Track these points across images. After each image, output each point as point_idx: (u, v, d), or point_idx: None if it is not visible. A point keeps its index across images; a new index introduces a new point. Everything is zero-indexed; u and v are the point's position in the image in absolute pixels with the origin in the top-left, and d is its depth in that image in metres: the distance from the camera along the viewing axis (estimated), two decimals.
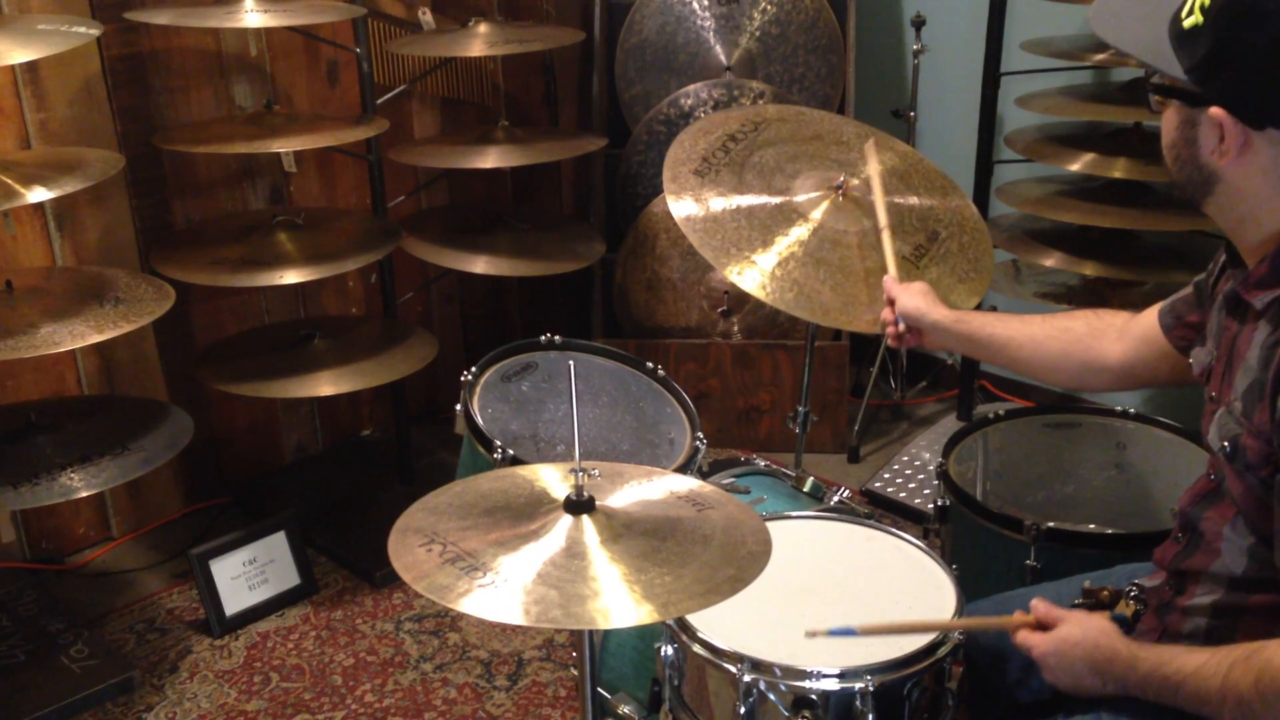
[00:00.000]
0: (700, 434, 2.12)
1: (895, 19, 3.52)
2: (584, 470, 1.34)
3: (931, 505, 2.09)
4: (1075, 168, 2.69)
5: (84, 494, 2.26)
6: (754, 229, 2.08)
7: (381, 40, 3.04)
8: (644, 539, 1.31)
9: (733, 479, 2.01)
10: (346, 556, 2.84)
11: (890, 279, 1.96)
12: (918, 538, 1.74)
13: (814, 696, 1.44)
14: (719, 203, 2.10)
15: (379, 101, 2.84)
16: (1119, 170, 2.63)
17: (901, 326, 1.90)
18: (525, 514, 1.34)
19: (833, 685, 1.43)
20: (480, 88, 3.38)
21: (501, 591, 1.21)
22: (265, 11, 2.46)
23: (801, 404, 2.39)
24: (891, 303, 1.92)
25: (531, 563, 1.25)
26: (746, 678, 1.45)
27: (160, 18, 2.47)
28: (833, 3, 3.36)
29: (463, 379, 2.15)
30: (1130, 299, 2.75)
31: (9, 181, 2.16)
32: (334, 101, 3.07)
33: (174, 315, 2.49)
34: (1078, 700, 1.51)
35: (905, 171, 2.25)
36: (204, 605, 2.59)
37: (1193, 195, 1.38)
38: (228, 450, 3.10)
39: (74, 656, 2.45)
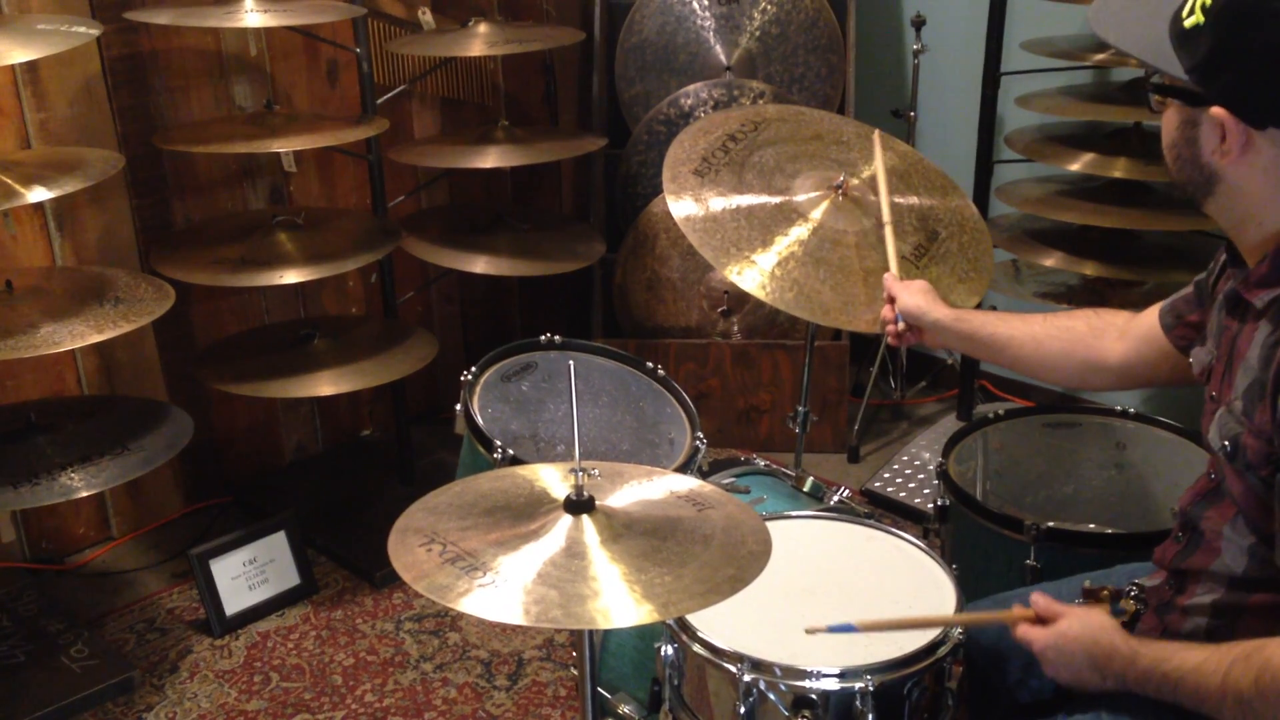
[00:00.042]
0: (700, 434, 2.12)
1: (895, 19, 3.52)
2: (584, 470, 1.34)
3: (931, 505, 2.09)
4: (1075, 168, 2.69)
5: (84, 494, 2.26)
6: (754, 229, 2.08)
7: (381, 40, 3.04)
8: (644, 539, 1.31)
9: (733, 479, 2.01)
10: (346, 556, 2.84)
11: (891, 277, 1.96)
12: (918, 537, 1.74)
13: (814, 696, 1.44)
14: (719, 203, 2.10)
15: (379, 101, 2.84)
16: (1119, 170, 2.63)
17: (901, 325, 1.90)
18: (525, 514, 1.34)
19: (833, 685, 1.43)
20: (480, 88, 3.38)
21: (501, 591, 1.21)
22: (265, 11, 2.46)
23: (801, 404, 2.39)
24: (892, 301, 1.92)
25: (531, 563, 1.25)
26: (746, 677, 1.45)
27: (160, 18, 2.47)
28: (833, 3, 3.36)
29: (463, 379, 2.15)
30: (1130, 299, 2.75)
31: (9, 181, 2.16)
32: (334, 101, 3.07)
33: (174, 315, 2.49)
34: (1078, 700, 1.51)
35: (905, 171, 2.25)
36: (204, 605, 2.59)
37: (1193, 195, 1.38)
38: (228, 450, 3.10)
39: (74, 656, 2.45)
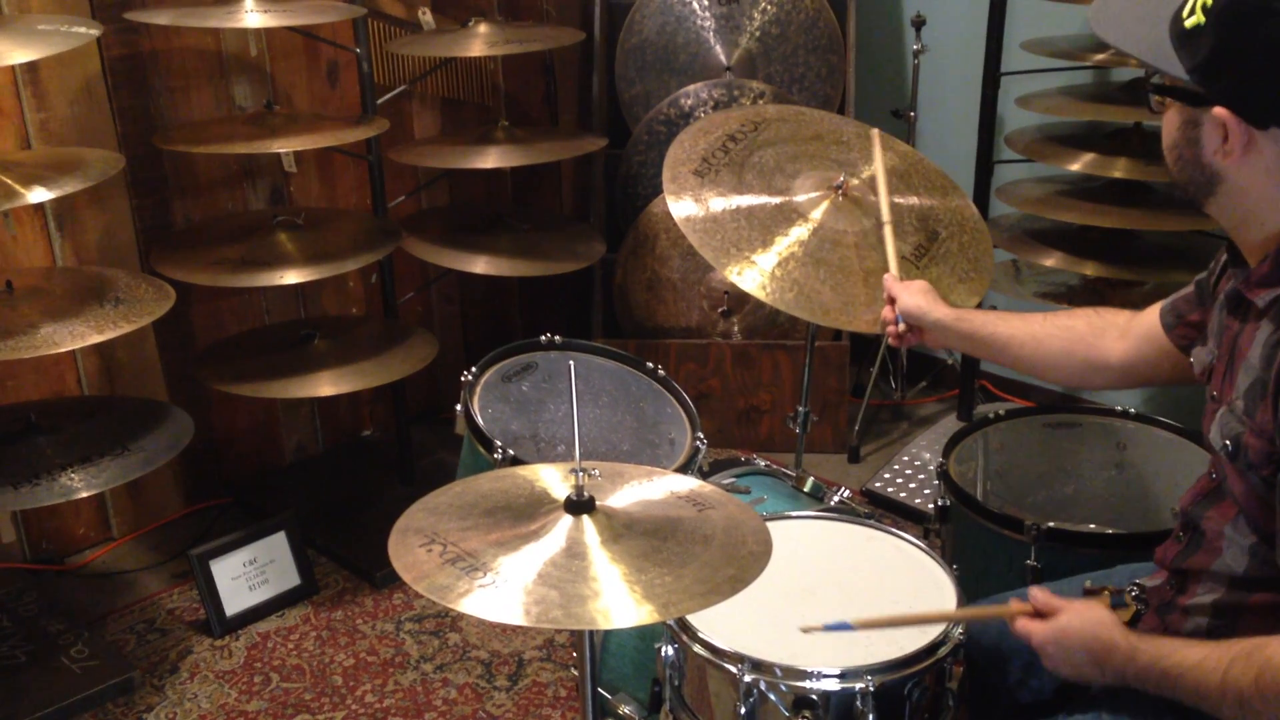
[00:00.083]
0: (700, 434, 2.12)
1: (895, 19, 3.52)
2: (584, 470, 1.34)
3: (932, 505, 2.09)
4: (1075, 168, 2.69)
5: (84, 494, 2.26)
6: (754, 229, 2.08)
7: (381, 40, 3.04)
8: (644, 539, 1.31)
9: (733, 479, 2.01)
10: (346, 556, 2.84)
11: (891, 277, 1.95)
12: (918, 538, 1.74)
13: (814, 696, 1.43)
14: (719, 203, 2.10)
15: (379, 101, 2.84)
16: (1119, 170, 2.63)
17: (902, 326, 1.90)
18: (525, 514, 1.34)
19: (833, 685, 1.43)
20: (480, 88, 3.38)
21: (502, 592, 1.21)
22: (265, 11, 2.46)
23: (801, 404, 2.38)
24: (892, 301, 1.92)
25: (532, 563, 1.25)
26: (747, 678, 1.45)
27: (160, 18, 2.47)
28: (833, 3, 3.36)
29: (463, 379, 2.15)
30: (1130, 299, 2.74)
31: (9, 181, 2.16)
32: (334, 101, 3.07)
33: (174, 315, 2.49)
34: (1078, 700, 1.51)
35: (905, 171, 2.25)
36: (204, 605, 2.59)
37: (1194, 195, 1.38)
38: (228, 450, 3.10)
39: (74, 657, 2.45)
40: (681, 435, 2.17)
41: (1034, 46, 2.82)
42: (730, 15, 3.36)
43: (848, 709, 1.43)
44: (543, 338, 2.27)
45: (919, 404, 3.56)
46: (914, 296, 1.89)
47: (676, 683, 1.57)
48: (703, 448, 2.10)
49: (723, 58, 3.38)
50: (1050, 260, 2.79)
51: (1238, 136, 1.27)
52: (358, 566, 2.80)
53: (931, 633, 1.50)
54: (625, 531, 1.31)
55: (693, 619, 1.52)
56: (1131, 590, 1.51)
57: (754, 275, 2.01)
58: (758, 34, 3.37)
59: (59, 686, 2.36)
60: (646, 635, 1.78)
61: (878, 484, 3.08)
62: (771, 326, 3.32)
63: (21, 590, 2.67)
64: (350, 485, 3.12)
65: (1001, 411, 2.20)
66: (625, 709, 1.84)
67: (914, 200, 2.20)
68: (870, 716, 1.42)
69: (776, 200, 2.13)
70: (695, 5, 3.36)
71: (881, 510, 2.95)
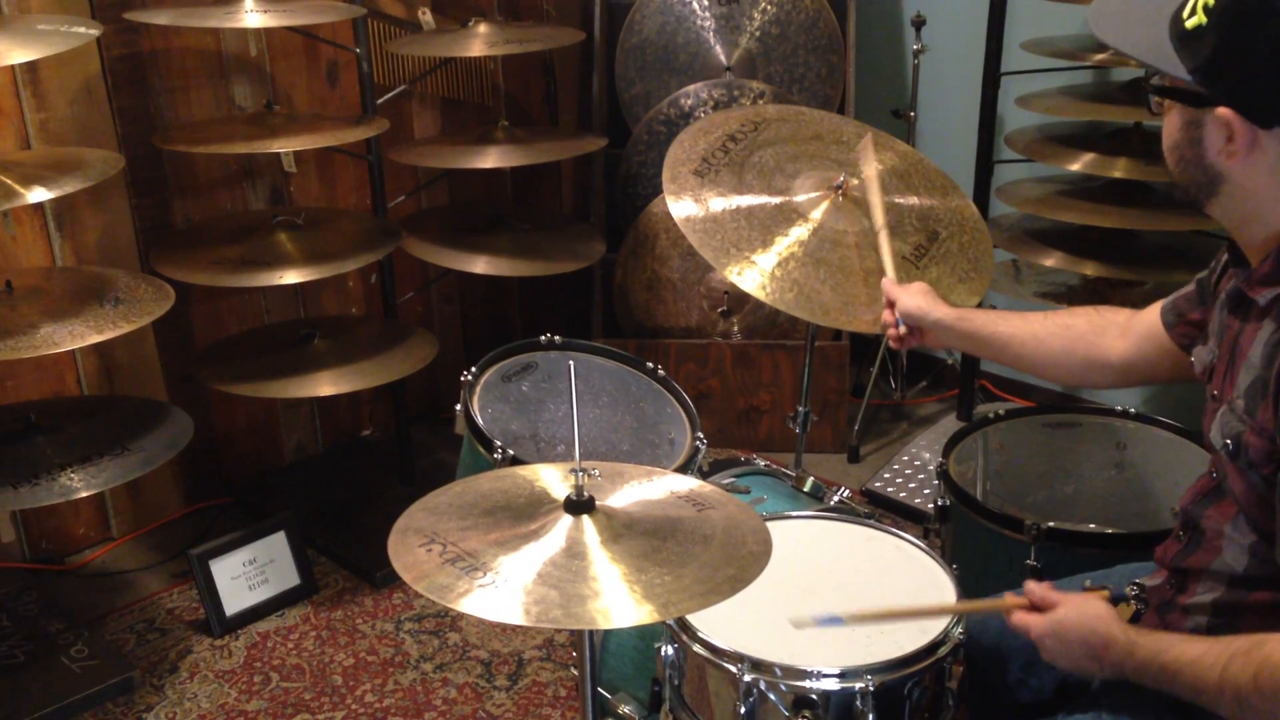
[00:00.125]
0: (700, 434, 2.12)
1: (895, 19, 3.52)
2: (584, 470, 1.34)
3: (931, 505, 2.09)
4: (1075, 168, 2.69)
5: (84, 494, 2.26)
6: (754, 229, 2.08)
7: (381, 40, 3.04)
8: (644, 539, 1.31)
9: (733, 479, 2.01)
10: (346, 556, 2.84)
11: (889, 281, 1.95)
12: (918, 537, 1.74)
13: (814, 696, 1.44)
14: (719, 203, 2.10)
15: (379, 101, 2.84)
16: (1119, 170, 2.63)
17: (903, 328, 1.90)
18: (525, 514, 1.34)
19: (833, 685, 1.43)
20: (480, 88, 3.38)
21: (502, 591, 1.21)
22: (265, 11, 2.46)
23: (801, 404, 2.38)
24: (891, 305, 1.92)
25: (532, 563, 1.25)
26: (747, 677, 1.45)
27: (160, 18, 2.47)
28: (833, 3, 3.36)
29: (463, 379, 2.15)
30: (1130, 299, 2.74)
31: (9, 181, 2.16)
32: (334, 101, 3.07)
33: (174, 315, 2.49)
34: (1078, 700, 1.51)
35: (905, 171, 2.25)
36: (204, 605, 2.59)
37: (1196, 196, 1.37)
38: (228, 450, 3.10)
39: (74, 656, 2.45)
40: (681, 435, 2.17)
41: (1034, 46, 2.82)
42: (730, 15, 3.36)
43: (848, 708, 1.43)
44: (543, 338, 2.27)
45: (919, 404, 3.56)
46: (914, 298, 1.89)
47: (676, 682, 1.57)
48: (702, 448, 2.10)
49: (723, 58, 3.38)
50: (1050, 260, 2.79)
51: (1242, 136, 1.27)
52: (358, 566, 2.80)
53: (931, 632, 1.50)
54: (625, 531, 1.31)
55: (692, 619, 1.52)
56: (1131, 590, 1.51)
57: (754, 275, 2.01)
58: (758, 34, 3.37)
59: (59, 686, 2.36)
60: (646, 635, 1.78)
61: (878, 484, 3.08)
62: (771, 326, 3.32)
63: (21, 590, 2.67)
64: (350, 485, 3.12)
65: (1001, 411, 2.20)
66: (625, 709, 1.84)
67: (914, 200, 2.20)
68: (870, 716, 1.42)
69: (776, 200, 2.13)
70: (695, 5, 3.36)
71: (881, 510, 2.95)
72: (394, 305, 2.99)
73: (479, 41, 2.79)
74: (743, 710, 1.45)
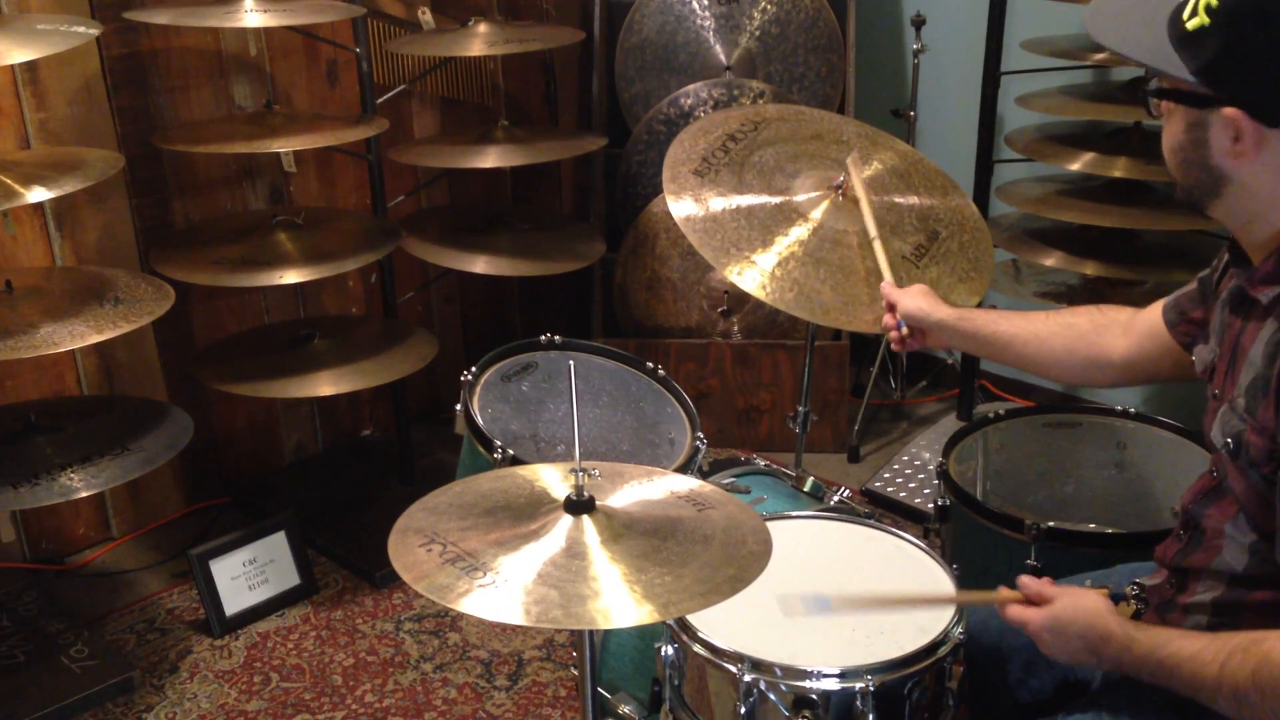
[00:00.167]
0: (700, 434, 2.12)
1: (895, 18, 3.52)
2: (584, 470, 1.34)
3: (931, 505, 2.09)
4: (1075, 167, 2.69)
5: (84, 494, 2.25)
6: (754, 229, 2.08)
7: (381, 40, 3.04)
8: (644, 539, 1.31)
9: (733, 479, 2.01)
10: (346, 556, 2.84)
11: (888, 284, 1.95)
12: (918, 537, 1.74)
13: (814, 696, 1.43)
14: (719, 202, 2.10)
15: (379, 101, 2.84)
16: (1119, 169, 2.63)
17: (905, 330, 1.90)
18: (525, 514, 1.34)
19: (833, 685, 1.43)
20: (480, 87, 3.38)
21: (502, 591, 1.21)
22: (265, 11, 2.45)
23: (801, 404, 2.39)
24: (892, 308, 1.92)
25: (532, 563, 1.25)
26: (747, 677, 1.45)
27: (160, 18, 2.47)
28: (833, 2, 3.36)
29: (463, 379, 2.15)
30: (1131, 298, 2.73)
31: (9, 181, 2.16)
32: (334, 101, 3.07)
33: (174, 315, 2.49)
34: (1078, 700, 1.51)
35: (905, 171, 2.25)
36: (204, 605, 2.59)
37: (1199, 198, 1.37)
38: (228, 450, 3.10)
39: (74, 656, 2.45)
40: (681, 435, 2.17)
41: (1034, 46, 2.82)
42: (730, 15, 3.36)
43: (848, 708, 1.43)
44: (542, 337, 2.27)
45: (919, 404, 3.55)
46: (914, 300, 1.89)
47: (676, 682, 1.57)
48: (702, 447, 2.10)
49: (722, 57, 3.38)
50: (1050, 260, 2.79)
51: (1249, 136, 1.26)
52: (357, 566, 2.80)
53: (931, 632, 1.50)
54: (625, 531, 1.31)
55: (693, 618, 1.52)
56: (1131, 589, 1.51)
57: (754, 275, 2.01)
58: (757, 33, 3.37)
59: (59, 686, 2.36)
60: (646, 635, 1.78)
61: (878, 484, 3.08)
62: (771, 326, 3.32)
63: (21, 590, 2.67)
64: (350, 485, 3.12)
65: (1001, 411, 2.20)
66: (625, 709, 1.84)
67: (914, 200, 2.20)
68: (870, 716, 1.42)
69: (776, 200, 2.13)
70: (695, 5, 3.36)
71: (881, 510, 2.95)
72: (394, 305, 2.99)
73: (479, 41, 2.79)
74: (743, 710, 1.45)
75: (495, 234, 2.97)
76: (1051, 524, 1.87)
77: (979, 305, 2.07)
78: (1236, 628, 1.36)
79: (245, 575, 2.64)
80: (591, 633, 1.38)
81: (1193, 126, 1.32)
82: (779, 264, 2.03)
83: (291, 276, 2.55)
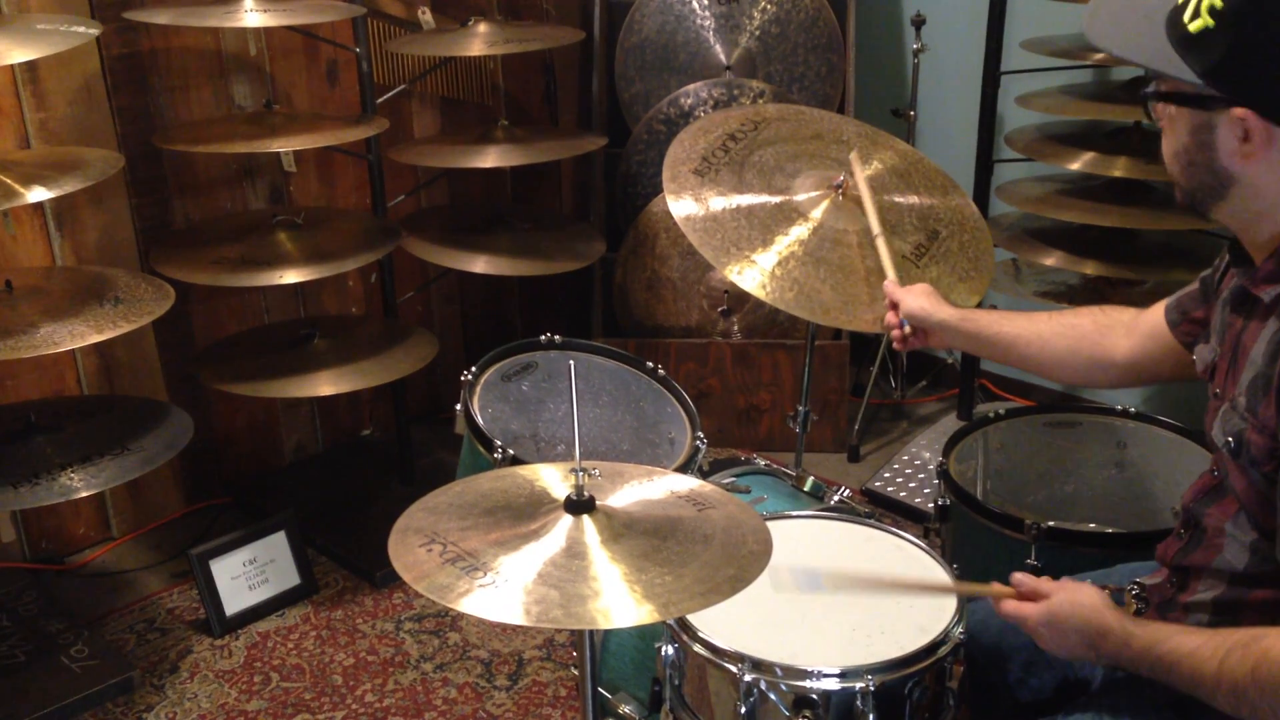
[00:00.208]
0: (700, 433, 2.12)
1: (895, 18, 3.52)
2: (584, 470, 1.34)
3: (932, 504, 2.08)
4: (1075, 166, 2.69)
5: (84, 494, 2.25)
6: (754, 228, 2.08)
7: (381, 40, 3.04)
8: (644, 539, 1.30)
9: (733, 478, 2.00)
10: (346, 556, 2.84)
11: (891, 283, 1.95)
12: (918, 537, 1.74)
13: (814, 696, 1.43)
14: (719, 202, 2.10)
15: (379, 101, 2.84)
16: (1119, 169, 2.63)
17: (907, 329, 1.90)
18: (525, 514, 1.34)
19: (833, 685, 1.43)
20: (480, 87, 3.38)
21: (502, 591, 1.21)
22: (265, 11, 2.45)
23: (801, 403, 2.38)
24: (894, 306, 1.92)
25: (532, 563, 1.25)
26: (747, 677, 1.45)
27: (160, 17, 2.47)
28: (833, 2, 3.36)
29: (463, 379, 2.15)
30: (1131, 298, 2.73)
31: (9, 181, 2.16)
32: (334, 101, 3.07)
33: (174, 315, 2.49)
34: (1078, 700, 1.51)
35: (905, 171, 2.25)
36: (204, 605, 2.59)
37: (1202, 201, 1.36)
38: (228, 450, 3.10)
39: (74, 656, 2.45)
40: (681, 435, 2.17)
41: (1034, 45, 2.82)
42: (730, 14, 3.36)
43: (848, 708, 1.43)
44: (543, 337, 2.27)
45: (919, 403, 3.55)
46: (917, 299, 1.89)
47: (676, 682, 1.57)
48: (703, 447, 2.10)
49: (722, 57, 3.38)
50: (1050, 259, 2.79)
51: (1260, 135, 1.25)
52: (358, 566, 2.80)
53: (932, 632, 1.50)
54: (625, 531, 1.31)
55: (693, 618, 1.51)
56: (1132, 589, 1.51)
57: (754, 274, 2.01)
58: (757, 33, 3.37)
59: (59, 686, 2.36)
60: (646, 635, 1.78)
61: (878, 483, 3.07)
62: (771, 326, 3.32)
63: (21, 590, 2.67)
64: (350, 485, 3.12)
65: (1001, 411, 2.20)
66: (625, 708, 1.84)
67: (914, 199, 2.20)
68: (870, 716, 1.42)
69: (776, 199, 2.13)
70: (695, 4, 3.36)
71: (881, 510, 2.95)
72: (394, 305, 2.99)
73: (479, 41, 2.79)
74: (743, 710, 1.45)
75: (495, 234, 2.97)
76: (1051, 524, 1.87)
77: (979, 305, 2.07)
78: (1237, 626, 1.36)
79: (245, 575, 2.64)
80: (592, 633, 1.38)
81: (1198, 129, 1.31)
82: (779, 263, 2.03)
83: (291, 276, 2.55)
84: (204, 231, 2.76)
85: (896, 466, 3.14)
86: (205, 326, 2.96)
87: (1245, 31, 1.22)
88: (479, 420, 2.07)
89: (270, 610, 2.65)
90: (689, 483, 1.46)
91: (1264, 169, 1.28)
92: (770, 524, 1.39)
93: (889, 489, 3.05)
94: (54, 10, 2.52)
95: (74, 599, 2.70)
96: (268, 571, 2.67)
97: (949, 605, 1.57)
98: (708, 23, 3.37)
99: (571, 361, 1.48)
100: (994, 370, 3.45)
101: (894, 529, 1.75)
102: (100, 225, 2.74)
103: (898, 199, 2.17)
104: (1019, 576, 1.48)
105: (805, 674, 1.44)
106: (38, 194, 2.15)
